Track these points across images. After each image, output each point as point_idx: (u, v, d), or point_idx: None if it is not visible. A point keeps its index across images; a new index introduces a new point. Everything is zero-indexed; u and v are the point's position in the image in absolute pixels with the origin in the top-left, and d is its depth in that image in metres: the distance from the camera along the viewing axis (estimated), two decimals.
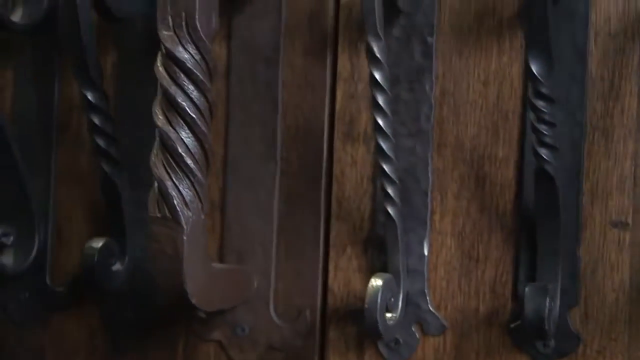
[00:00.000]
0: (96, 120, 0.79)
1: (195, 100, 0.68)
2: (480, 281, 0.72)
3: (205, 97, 0.69)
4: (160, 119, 0.68)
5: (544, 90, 0.63)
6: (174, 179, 0.68)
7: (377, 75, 0.68)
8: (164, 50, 0.68)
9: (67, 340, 0.86)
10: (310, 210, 0.78)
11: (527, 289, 0.66)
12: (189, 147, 0.68)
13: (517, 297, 0.71)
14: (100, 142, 0.80)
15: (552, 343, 0.69)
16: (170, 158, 0.68)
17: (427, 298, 0.73)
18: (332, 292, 0.77)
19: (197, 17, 0.67)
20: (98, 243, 0.80)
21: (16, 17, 0.85)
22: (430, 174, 0.73)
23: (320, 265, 0.77)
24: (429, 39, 0.73)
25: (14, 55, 0.88)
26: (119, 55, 0.84)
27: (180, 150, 0.68)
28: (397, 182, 0.70)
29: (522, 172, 0.71)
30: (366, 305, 0.69)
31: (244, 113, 0.79)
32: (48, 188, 0.88)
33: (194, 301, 0.70)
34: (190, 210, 0.68)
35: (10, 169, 0.84)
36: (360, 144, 0.76)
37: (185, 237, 0.68)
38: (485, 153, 0.72)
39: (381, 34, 0.67)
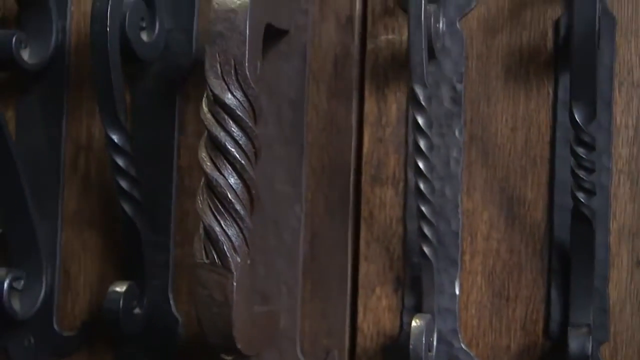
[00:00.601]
0: (120, 162, 0.78)
1: (243, 146, 0.68)
2: (511, 319, 0.75)
3: (252, 142, 0.69)
4: (208, 164, 0.68)
5: (585, 138, 0.67)
6: (223, 225, 0.68)
7: (420, 121, 0.70)
8: (211, 97, 0.69)
9: None
10: (336, 251, 0.79)
11: (570, 330, 0.69)
12: (238, 192, 0.68)
13: (549, 335, 0.74)
14: (123, 184, 0.79)
15: None
16: (218, 204, 0.68)
17: (459, 336, 0.76)
18: (362, 331, 0.78)
19: (246, 65, 0.68)
20: (122, 287, 0.79)
21: (25, 55, 0.84)
22: (460, 216, 0.76)
23: (348, 305, 0.79)
24: (458, 85, 0.76)
25: (17, 94, 0.87)
26: (134, 95, 0.84)
27: (230, 197, 0.68)
28: (434, 223, 0.72)
29: (551, 214, 0.74)
30: (411, 345, 0.70)
31: (269, 154, 0.80)
32: (55, 230, 0.86)
33: (239, 346, 0.70)
34: (239, 256, 0.69)
35: (20, 211, 0.82)
36: (389, 186, 0.78)
37: (235, 283, 0.68)
38: (514, 195, 0.75)
39: (426, 82, 0.69)
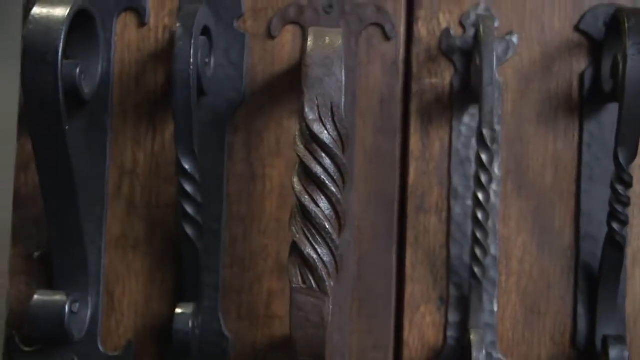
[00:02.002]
0: (188, 188, 0.83)
1: (334, 177, 0.75)
2: (541, 332, 0.86)
3: (342, 174, 0.76)
4: (304, 196, 0.75)
5: (625, 177, 0.79)
6: (319, 252, 0.75)
7: (484, 158, 0.80)
8: (307, 134, 0.75)
9: None
10: (382, 272, 0.87)
11: (610, 340, 0.81)
12: (330, 219, 0.75)
13: (575, 345, 0.85)
14: (189, 208, 0.83)
15: None
16: (314, 231, 0.75)
17: (497, 347, 0.86)
18: (407, 345, 0.87)
19: (341, 107, 0.75)
20: (188, 308, 0.84)
21: (84, 84, 0.86)
22: (497, 241, 0.86)
23: (393, 322, 0.87)
24: (497, 127, 0.86)
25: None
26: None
27: (325, 224, 0.74)
28: (485, 247, 0.82)
29: (578, 240, 0.86)
30: (473, 354, 0.80)
31: None
32: (99, 254, 0.89)
33: None
34: (332, 280, 0.75)
35: (73, 233, 0.85)
36: (432, 214, 0.87)
37: (330, 306, 0.75)
38: (544, 224, 0.86)
39: (495, 127, 0.79)
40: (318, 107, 0.75)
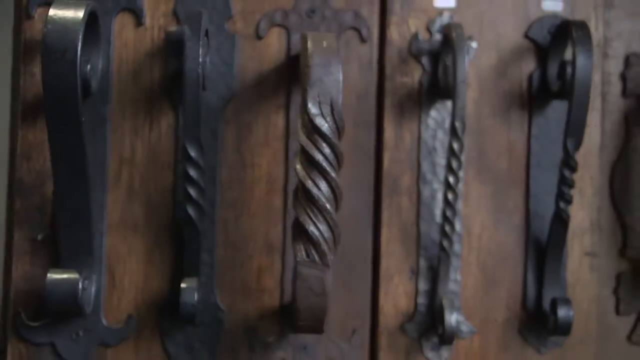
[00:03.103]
0: (192, 173, 0.91)
1: (332, 162, 0.85)
2: (497, 298, 0.99)
3: (338, 159, 0.86)
4: (305, 178, 0.85)
5: (571, 162, 0.93)
6: (320, 228, 0.85)
7: (455, 147, 0.92)
8: (309, 124, 0.85)
9: None
10: (360, 248, 0.98)
11: (558, 302, 0.95)
12: (330, 200, 0.85)
13: (525, 308, 0.99)
14: (192, 192, 0.92)
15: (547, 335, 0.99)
16: (316, 211, 0.85)
17: (461, 312, 0.98)
18: (383, 312, 0.98)
19: (339, 102, 0.86)
20: (193, 283, 0.92)
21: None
22: (461, 220, 0.99)
23: (370, 292, 0.98)
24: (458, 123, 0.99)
25: None
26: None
27: (326, 205, 0.85)
28: (454, 225, 0.95)
29: (528, 219, 0.99)
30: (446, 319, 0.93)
31: None
32: (101, 236, 0.96)
33: (324, 329, 0.87)
34: (332, 254, 0.86)
35: (82, 215, 0.92)
36: (404, 197, 0.99)
37: (330, 277, 0.86)
38: (500, 205, 0.99)
39: (464, 120, 0.91)
40: (319, 103, 0.86)
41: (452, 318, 0.93)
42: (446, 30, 0.95)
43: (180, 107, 0.97)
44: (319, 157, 0.85)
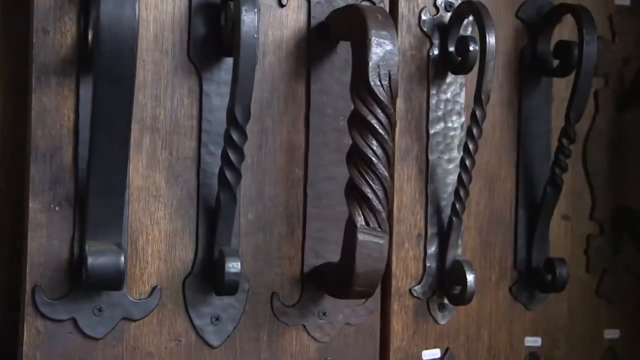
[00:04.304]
0: (235, 137, 0.90)
1: (383, 121, 0.88)
2: (492, 259, 1.07)
3: (389, 119, 0.89)
4: (360, 139, 0.87)
5: (570, 132, 1.02)
6: (379, 197, 0.87)
7: (479, 116, 0.98)
8: (366, 92, 0.87)
9: (145, 346, 0.93)
10: None
11: (555, 262, 1.04)
12: (381, 160, 0.88)
13: (516, 268, 1.07)
14: (233, 157, 0.90)
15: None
16: (370, 171, 0.87)
17: None
18: (395, 276, 1.02)
19: (396, 73, 0.88)
20: (234, 252, 0.92)
21: None
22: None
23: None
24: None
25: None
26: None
27: (379, 165, 0.87)
28: (468, 191, 1.00)
29: (517, 186, 1.07)
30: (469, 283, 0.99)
31: (321, 137, 0.99)
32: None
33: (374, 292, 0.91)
34: (386, 214, 0.88)
35: (119, 183, 0.87)
36: (414, 165, 1.03)
37: (387, 243, 0.88)
38: (493, 173, 1.07)
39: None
40: (379, 74, 0.88)
41: (471, 278, 0.99)
42: (467, 8, 1.00)
43: (204, 72, 0.94)
44: (374, 121, 0.88)
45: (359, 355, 1.01)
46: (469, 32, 1.04)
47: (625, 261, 1.13)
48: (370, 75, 0.87)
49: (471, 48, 0.99)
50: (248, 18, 0.88)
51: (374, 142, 0.88)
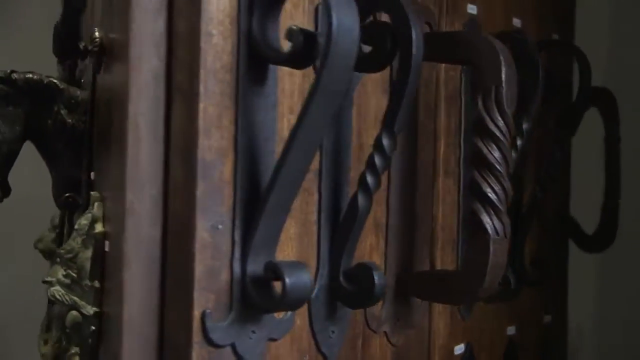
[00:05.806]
0: (377, 162, 0.91)
1: (503, 130, 0.96)
2: None
3: (510, 131, 0.97)
4: (484, 149, 0.95)
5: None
6: (496, 191, 0.95)
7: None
8: (493, 104, 0.95)
9: None
10: (421, 226, 1.08)
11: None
12: (501, 165, 0.96)
13: None
14: (371, 182, 0.92)
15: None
16: (491, 175, 0.95)
17: None
18: None
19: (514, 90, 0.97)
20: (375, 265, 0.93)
21: None
22: None
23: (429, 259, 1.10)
24: None
25: None
26: None
27: (500, 170, 0.95)
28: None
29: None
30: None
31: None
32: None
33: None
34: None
35: (289, 200, 0.85)
36: (450, 176, 1.12)
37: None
38: None
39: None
40: (483, 92, 0.96)
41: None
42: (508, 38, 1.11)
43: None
44: (492, 126, 0.96)
45: (418, 355, 1.08)
46: None
47: None
48: (481, 91, 0.96)
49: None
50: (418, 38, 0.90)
51: (494, 148, 0.96)
